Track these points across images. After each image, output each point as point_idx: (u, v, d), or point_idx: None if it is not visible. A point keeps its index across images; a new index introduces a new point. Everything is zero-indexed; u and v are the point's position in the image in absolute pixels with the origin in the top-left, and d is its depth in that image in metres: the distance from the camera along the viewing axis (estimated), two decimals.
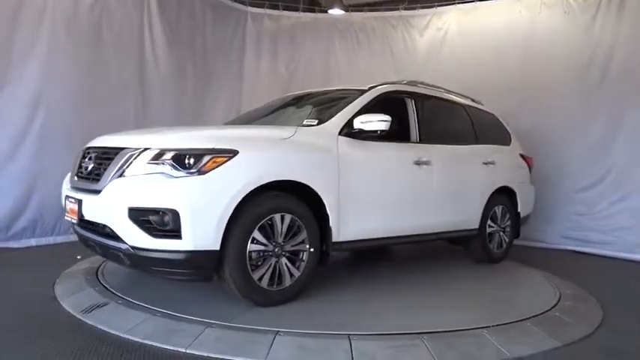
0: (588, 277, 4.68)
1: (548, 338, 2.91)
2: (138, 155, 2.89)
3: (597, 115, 5.99)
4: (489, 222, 4.75)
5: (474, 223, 4.58)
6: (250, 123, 4.16)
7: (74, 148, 4.69)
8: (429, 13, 7.33)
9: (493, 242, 4.84)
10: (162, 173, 2.81)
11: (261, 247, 3.02)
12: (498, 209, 4.86)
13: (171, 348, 2.56)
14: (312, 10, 8.11)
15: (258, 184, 2.95)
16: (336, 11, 8.11)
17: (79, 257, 4.34)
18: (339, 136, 3.46)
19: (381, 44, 7.58)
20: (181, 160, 2.83)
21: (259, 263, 3.03)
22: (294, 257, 3.19)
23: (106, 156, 3.10)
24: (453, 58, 6.96)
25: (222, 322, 2.81)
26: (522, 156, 5.37)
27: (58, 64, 5.06)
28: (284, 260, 3.12)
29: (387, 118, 3.43)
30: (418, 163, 3.96)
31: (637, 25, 5.75)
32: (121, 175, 2.91)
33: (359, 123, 3.47)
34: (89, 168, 3.21)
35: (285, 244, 3.13)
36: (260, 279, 3.02)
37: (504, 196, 4.94)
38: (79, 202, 3.11)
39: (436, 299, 3.57)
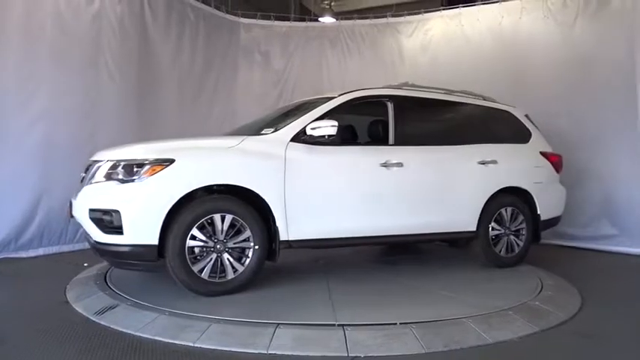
0: (572, 269, 4.91)
1: (527, 325, 3.16)
2: (102, 166, 3.48)
3: (578, 113, 6.24)
4: (493, 224, 4.55)
5: (467, 225, 4.44)
6: (244, 133, 4.38)
7: (78, 160, 4.95)
8: (415, 20, 7.61)
9: (500, 246, 4.61)
10: (115, 180, 3.38)
11: (201, 243, 3.41)
12: (506, 211, 4.63)
13: (180, 343, 2.79)
14: (303, 19, 8.37)
15: (193, 188, 3.38)
16: (326, 19, 8.40)
17: (85, 265, 4.55)
18: (292, 143, 3.72)
19: (371, 50, 7.85)
20: (129, 169, 3.36)
21: (200, 257, 3.43)
22: (240, 253, 3.54)
23: (89, 167, 3.67)
24: (439, 62, 7.22)
25: (227, 318, 3.04)
26: (544, 154, 5.03)
27: (61, 79, 5.26)
28: (226, 255, 3.48)
29: (334, 123, 3.66)
30: (386, 165, 4.02)
31: (611, 27, 6.00)
32: (90, 183, 3.51)
33: (309, 129, 3.72)
34: (81, 177, 3.78)
35: (227, 241, 3.48)
36: (200, 271, 3.41)
37: (515, 196, 4.71)
38: (70, 204, 3.73)
39: (426, 292, 3.79)
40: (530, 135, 5.08)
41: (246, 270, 3.54)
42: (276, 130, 3.83)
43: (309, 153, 3.76)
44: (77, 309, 3.39)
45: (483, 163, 4.54)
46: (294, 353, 2.70)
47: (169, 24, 6.61)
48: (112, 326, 3.05)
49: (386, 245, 5.52)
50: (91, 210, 3.39)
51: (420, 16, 7.60)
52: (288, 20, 8.15)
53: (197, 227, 3.39)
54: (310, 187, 3.75)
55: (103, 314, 3.22)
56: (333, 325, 2.97)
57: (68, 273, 4.25)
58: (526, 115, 5.21)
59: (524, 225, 4.75)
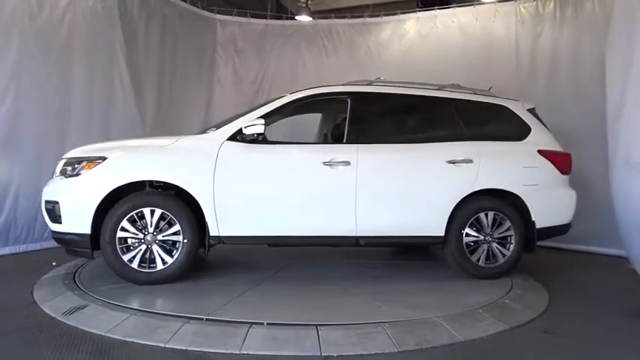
0: (541, 267, 4.99)
1: (496, 323, 3.23)
2: (59, 163, 3.87)
3: (549, 115, 6.32)
4: (468, 230, 4.15)
5: (432, 229, 4.12)
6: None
7: (46, 157, 4.86)
8: (391, 21, 7.66)
9: (478, 254, 4.18)
10: (62, 175, 3.77)
11: (130, 235, 3.68)
12: (486, 215, 4.19)
13: (151, 344, 2.76)
14: (280, 17, 8.33)
15: (122, 183, 3.67)
16: (303, 18, 8.37)
17: (54, 264, 4.44)
18: (227, 141, 3.83)
19: (347, 50, 7.86)
20: (73, 165, 3.74)
21: (133, 248, 3.69)
22: (172, 246, 3.74)
23: None
24: (415, 63, 7.25)
25: (200, 316, 3.02)
26: (544, 153, 4.42)
27: (28, 73, 5.10)
28: (155, 247, 3.71)
29: (262, 122, 3.76)
30: (330, 163, 3.91)
31: (582, 33, 6.16)
32: (51, 178, 3.91)
33: (244, 129, 3.80)
34: None
35: (157, 234, 3.71)
36: (130, 261, 3.67)
37: (499, 200, 4.26)
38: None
39: (397, 293, 3.79)
40: (528, 131, 4.52)
41: (175, 262, 3.72)
42: (217, 129, 3.96)
43: (244, 151, 3.84)
44: (45, 309, 3.31)
45: (453, 163, 4.15)
46: (267, 353, 2.70)
47: (144, 19, 6.47)
48: (80, 327, 2.99)
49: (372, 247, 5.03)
50: (45, 201, 3.80)
51: (396, 17, 7.65)
52: (265, 18, 8.11)
53: (127, 220, 3.66)
54: (241, 185, 3.83)
55: (71, 315, 3.15)
56: (307, 324, 2.96)
57: (36, 272, 4.15)
58: (530, 110, 4.69)
59: (511, 232, 4.24)
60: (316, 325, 2.93)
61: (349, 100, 4.24)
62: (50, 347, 2.71)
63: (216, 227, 3.75)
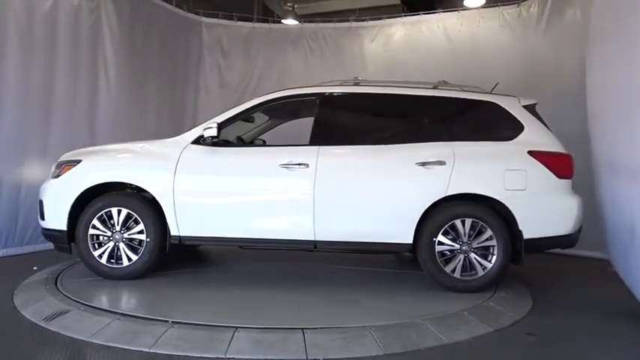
0: (525, 270, 5.04)
1: (481, 325, 3.25)
2: (53, 166, 4.21)
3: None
4: (440, 238, 3.84)
5: (398, 236, 3.86)
6: None
7: (26, 161, 4.78)
8: (377, 25, 7.70)
9: (453, 265, 3.85)
10: (51, 177, 4.14)
11: (99, 232, 3.96)
12: (463, 223, 3.85)
13: (135, 349, 2.73)
14: (266, 21, 8.33)
15: (92, 184, 3.96)
16: (289, 22, 8.39)
17: (35, 268, 4.36)
18: (191, 145, 3.99)
19: (333, 53, 7.87)
20: (58, 167, 4.11)
21: (102, 244, 3.96)
22: (139, 245, 3.95)
23: None
24: (400, 67, 7.27)
25: (183, 320, 2.99)
26: (535, 154, 3.95)
27: (10, 72, 5.01)
28: (122, 245, 3.94)
29: (214, 126, 3.87)
30: (287, 166, 3.83)
31: (564, 37, 6.27)
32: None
33: (203, 132, 3.92)
34: None
35: (124, 233, 3.95)
36: (100, 257, 3.93)
37: (478, 206, 3.90)
38: None
39: (383, 297, 3.80)
40: (520, 130, 4.07)
41: (139, 260, 3.92)
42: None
43: (205, 154, 3.96)
44: (25, 315, 3.26)
45: (424, 165, 3.86)
46: (253, 357, 2.69)
47: (129, 20, 6.39)
48: (62, 332, 2.94)
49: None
50: (39, 200, 4.14)
51: (382, 21, 7.70)
52: (251, 21, 8.10)
53: (97, 218, 3.93)
54: (200, 187, 3.98)
55: (53, 320, 3.10)
56: (293, 328, 2.95)
57: (16, 277, 4.07)
58: (527, 106, 4.23)
59: (493, 242, 3.85)
60: (302, 329, 2.92)
61: (317, 102, 4.16)
62: (30, 354, 2.66)
63: (177, 227, 3.90)
